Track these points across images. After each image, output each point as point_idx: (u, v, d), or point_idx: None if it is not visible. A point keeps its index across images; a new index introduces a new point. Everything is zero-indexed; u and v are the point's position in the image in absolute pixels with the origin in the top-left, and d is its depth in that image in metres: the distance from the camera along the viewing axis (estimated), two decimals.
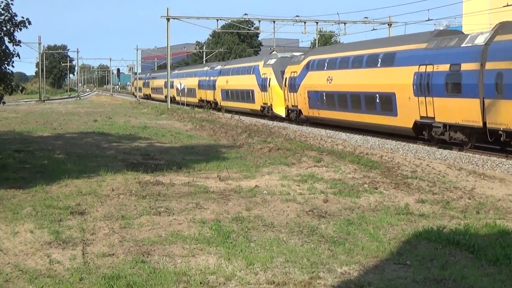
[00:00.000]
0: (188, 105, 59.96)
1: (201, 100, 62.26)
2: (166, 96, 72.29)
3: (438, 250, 8.44)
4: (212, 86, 57.12)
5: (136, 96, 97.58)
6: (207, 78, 59.84)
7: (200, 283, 7.05)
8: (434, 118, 24.14)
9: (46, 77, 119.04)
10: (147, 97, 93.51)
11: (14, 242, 8.72)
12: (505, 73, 20.34)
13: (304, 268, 7.59)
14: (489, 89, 21.03)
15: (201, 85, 62.41)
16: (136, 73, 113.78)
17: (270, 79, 41.52)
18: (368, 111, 29.05)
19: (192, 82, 66.23)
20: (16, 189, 12.48)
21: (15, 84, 15.55)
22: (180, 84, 66.72)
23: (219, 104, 54.22)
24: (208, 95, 59.69)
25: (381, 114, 27.92)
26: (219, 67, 57.35)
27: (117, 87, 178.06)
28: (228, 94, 52.02)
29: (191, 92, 65.15)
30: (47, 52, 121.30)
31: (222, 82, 53.71)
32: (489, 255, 8.02)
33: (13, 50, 15.04)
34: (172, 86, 68.61)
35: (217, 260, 7.92)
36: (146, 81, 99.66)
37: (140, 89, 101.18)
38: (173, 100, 67.89)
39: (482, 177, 15.42)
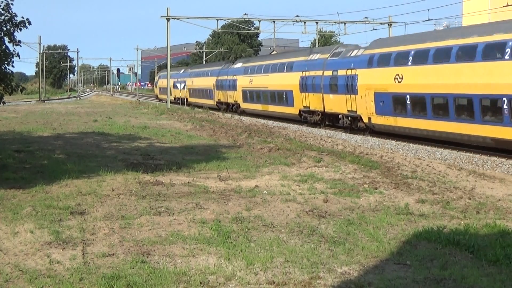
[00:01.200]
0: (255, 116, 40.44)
1: (307, 111, 36.57)
2: (220, 103, 52.73)
3: (438, 250, 8.44)
4: (346, 87, 30.98)
5: (160, 100, 75.50)
6: (331, 73, 32.86)
7: (200, 283, 7.05)
8: None
9: (46, 77, 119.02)
10: (183, 102, 64.82)
11: (14, 242, 8.72)
12: None
13: (304, 268, 7.59)
14: None
15: (306, 85, 36.35)
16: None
17: None
18: None
19: (282, 80, 39.88)
20: (16, 189, 12.47)
21: (15, 84, 15.55)
22: (250, 81, 44.89)
23: (369, 120, 29.44)
24: (335, 102, 32.61)
25: None
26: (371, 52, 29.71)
27: (117, 87, 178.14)
28: (410, 105, 26.11)
29: (281, 97, 40.18)
30: (47, 52, 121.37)
31: (385, 77, 27.66)
32: (489, 255, 8.02)
33: (13, 50, 15.06)
34: (229, 87, 49.88)
35: (217, 260, 7.92)
36: (181, 80, 69.93)
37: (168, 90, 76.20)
38: (229, 109, 49.29)
39: (482, 177, 15.42)
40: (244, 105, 47.48)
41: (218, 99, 53.51)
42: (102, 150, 19.78)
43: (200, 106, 54.09)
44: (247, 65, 48.63)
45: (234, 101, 49.33)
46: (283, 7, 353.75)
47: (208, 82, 57.88)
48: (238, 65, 50.38)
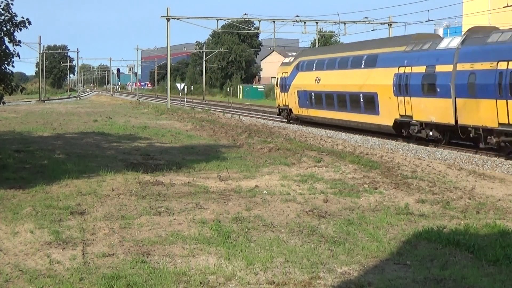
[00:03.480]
0: None
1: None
2: None
3: (438, 250, 8.44)
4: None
5: (291, 121, 38.60)
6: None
7: (200, 283, 7.04)
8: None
9: (46, 77, 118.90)
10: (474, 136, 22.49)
11: (14, 242, 8.72)
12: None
13: (304, 268, 7.59)
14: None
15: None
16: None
17: None
18: None
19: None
20: (16, 189, 12.47)
21: (15, 84, 15.56)
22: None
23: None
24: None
25: None
26: None
27: (117, 87, 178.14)
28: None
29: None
30: (47, 52, 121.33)
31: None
32: (489, 255, 8.02)
33: (13, 50, 15.06)
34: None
35: (217, 260, 7.92)
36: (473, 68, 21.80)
37: (324, 98, 33.81)
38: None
39: (482, 177, 15.42)
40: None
41: None
42: (102, 150, 19.77)
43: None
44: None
45: None
46: (283, 7, 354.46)
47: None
48: None
